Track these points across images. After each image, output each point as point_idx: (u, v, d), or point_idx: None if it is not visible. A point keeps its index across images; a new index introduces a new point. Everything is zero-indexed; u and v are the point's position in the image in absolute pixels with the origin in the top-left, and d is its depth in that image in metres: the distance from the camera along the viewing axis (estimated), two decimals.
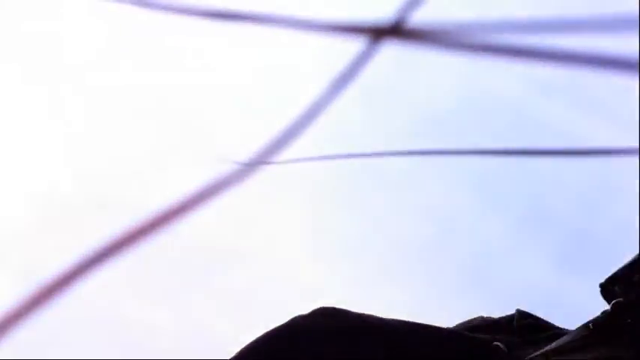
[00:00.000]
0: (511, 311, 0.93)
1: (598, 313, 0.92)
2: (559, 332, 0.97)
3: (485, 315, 1.11)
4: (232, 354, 0.96)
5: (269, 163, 0.23)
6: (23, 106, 3.91)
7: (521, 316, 1.06)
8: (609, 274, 0.99)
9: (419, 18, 0.22)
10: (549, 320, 1.02)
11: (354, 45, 0.21)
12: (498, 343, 0.94)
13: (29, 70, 3.76)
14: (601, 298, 0.97)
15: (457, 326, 1.08)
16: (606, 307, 0.92)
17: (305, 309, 1.09)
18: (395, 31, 0.21)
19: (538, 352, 0.88)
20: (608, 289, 0.97)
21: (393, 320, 0.99)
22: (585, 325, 0.91)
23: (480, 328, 1.05)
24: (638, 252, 1.00)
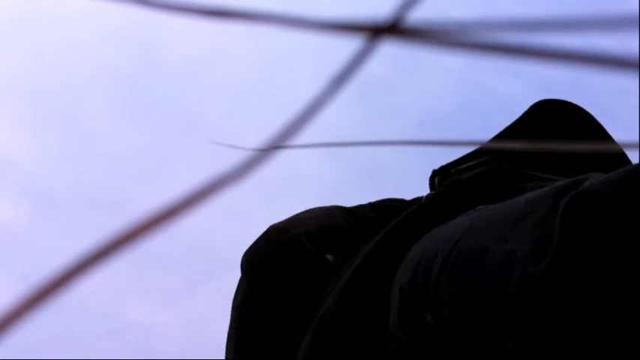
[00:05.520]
0: None
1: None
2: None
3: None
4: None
5: (274, 153, 0.23)
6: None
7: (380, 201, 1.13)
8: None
9: (418, 16, 0.22)
10: None
11: (353, 43, 0.21)
12: (329, 256, 0.97)
13: None
14: None
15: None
16: None
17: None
18: (394, 29, 0.21)
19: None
20: (431, 179, 1.07)
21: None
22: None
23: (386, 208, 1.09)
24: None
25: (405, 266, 0.78)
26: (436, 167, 1.10)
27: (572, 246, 0.60)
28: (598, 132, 1.06)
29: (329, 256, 0.97)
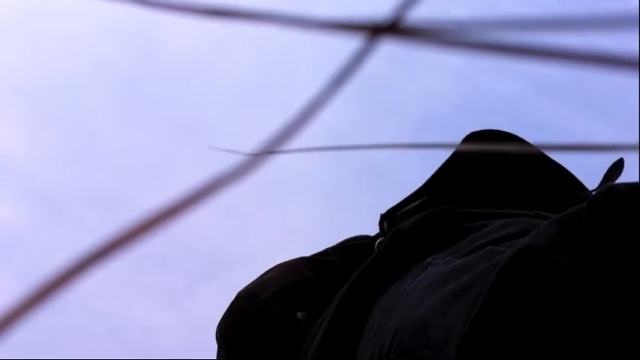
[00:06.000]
0: None
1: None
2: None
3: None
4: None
5: (269, 157, 0.23)
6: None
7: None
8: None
9: (418, 16, 0.22)
10: None
11: (353, 43, 0.21)
12: (299, 314, 0.98)
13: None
14: None
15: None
16: None
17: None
18: (394, 29, 0.21)
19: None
20: (380, 223, 1.07)
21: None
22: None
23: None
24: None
25: (363, 345, 0.81)
26: (383, 211, 1.10)
27: (489, 312, 0.62)
28: (533, 155, 1.06)
29: (299, 314, 0.98)
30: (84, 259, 0.20)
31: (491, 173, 1.04)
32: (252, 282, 1.05)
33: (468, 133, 1.06)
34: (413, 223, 0.92)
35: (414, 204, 1.04)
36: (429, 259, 0.83)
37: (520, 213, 0.89)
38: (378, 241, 1.03)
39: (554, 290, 0.59)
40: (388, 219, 1.06)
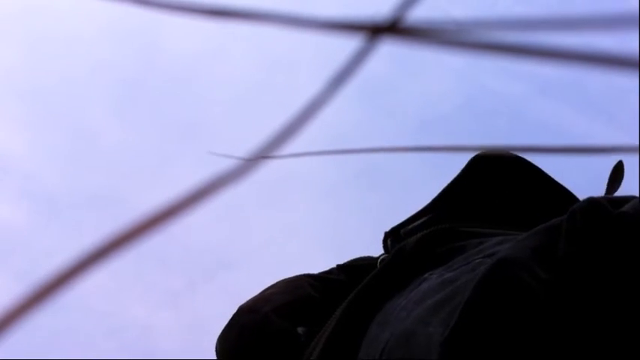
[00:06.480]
0: None
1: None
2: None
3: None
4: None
5: (268, 158, 0.23)
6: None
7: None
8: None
9: (418, 16, 0.22)
10: None
11: (353, 43, 0.21)
12: (299, 329, 0.99)
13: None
14: None
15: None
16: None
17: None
18: (394, 28, 0.21)
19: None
20: (384, 241, 1.07)
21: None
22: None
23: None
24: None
25: (360, 358, 0.83)
26: (387, 229, 1.11)
27: (466, 323, 0.63)
28: (541, 179, 1.07)
29: (300, 329, 0.98)
30: (84, 259, 0.20)
31: (495, 194, 1.05)
32: (254, 297, 1.05)
33: (473, 156, 1.07)
34: (416, 241, 0.93)
35: (418, 222, 1.05)
36: (426, 275, 0.84)
37: (520, 234, 0.90)
38: (381, 258, 1.04)
39: (530, 302, 0.59)
40: (392, 237, 1.07)
